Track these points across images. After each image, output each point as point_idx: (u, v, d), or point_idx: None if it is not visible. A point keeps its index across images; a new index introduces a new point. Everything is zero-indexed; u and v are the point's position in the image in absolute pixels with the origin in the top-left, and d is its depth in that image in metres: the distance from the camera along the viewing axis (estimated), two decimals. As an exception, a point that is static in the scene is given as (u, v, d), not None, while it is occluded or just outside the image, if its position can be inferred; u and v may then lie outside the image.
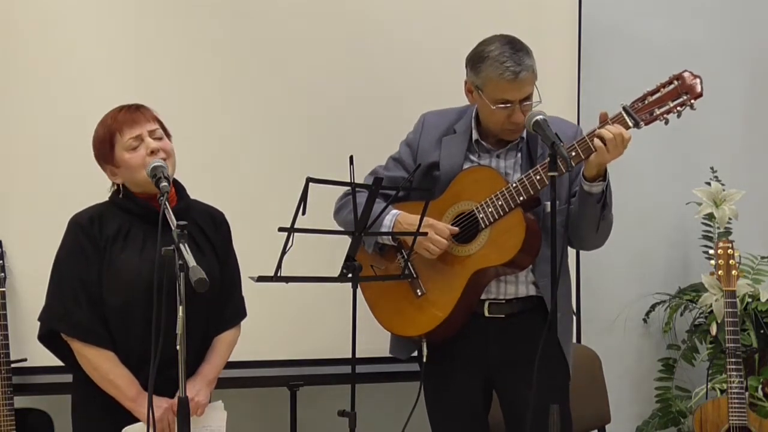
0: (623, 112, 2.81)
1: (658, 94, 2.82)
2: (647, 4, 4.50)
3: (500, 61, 2.87)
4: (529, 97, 2.91)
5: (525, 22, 3.88)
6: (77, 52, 3.48)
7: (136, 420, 2.70)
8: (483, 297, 2.98)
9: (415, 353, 3.09)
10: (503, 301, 2.99)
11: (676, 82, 2.81)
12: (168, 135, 2.84)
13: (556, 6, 4.02)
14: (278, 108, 3.68)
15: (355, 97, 3.74)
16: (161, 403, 2.70)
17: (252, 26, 3.66)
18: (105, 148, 2.77)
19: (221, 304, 2.86)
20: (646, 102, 2.82)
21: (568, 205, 2.95)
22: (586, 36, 4.11)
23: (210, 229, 2.87)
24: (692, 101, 2.80)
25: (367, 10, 3.78)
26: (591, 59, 4.17)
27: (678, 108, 2.80)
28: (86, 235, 2.74)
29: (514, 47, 2.90)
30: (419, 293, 3.01)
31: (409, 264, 2.97)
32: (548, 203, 2.82)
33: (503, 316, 2.99)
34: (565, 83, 4.00)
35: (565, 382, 3.02)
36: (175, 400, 2.68)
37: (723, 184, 4.19)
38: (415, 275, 3.00)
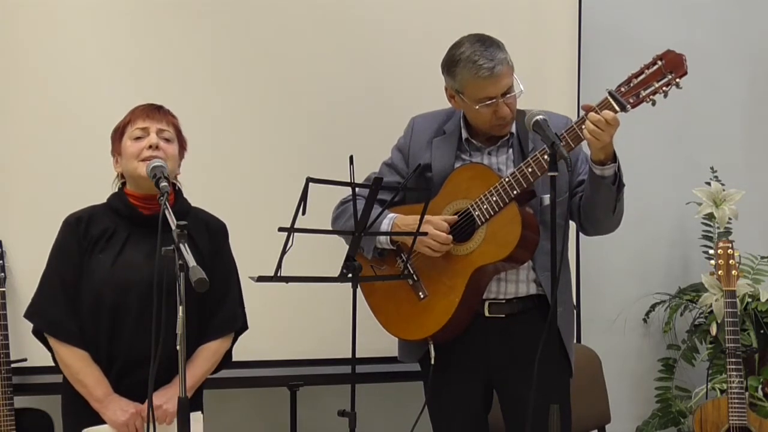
0: (609, 97, 2.80)
1: (642, 76, 2.79)
2: (647, 4, 4.50)
3: (473, 60, 2.87)
4: (510, 90, 2.91)
5: (525, 22, 3.89)
6: (78, 53, 3.47)
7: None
8: (483, 297, 2.98)
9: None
10: (503, 301, 2.99)
11: (660, 62, 2.78)
12: (182, 146, 2.88)
13: (556, 6, 4.01)
14: (278, 108, 3.68)
15: (355, 96, 3.74)
16: (128, 408, 2.70)
17: (252, 27, 3.65)
18: (117, 136, 2.84)
19: (207, 312, 2.84)
20: (632, 85, 2.79)
21: (570, 197, 2.95)
22: (586, 36, 4.11)
23: (201, 237, 2.85)
24: (677, 80, 2.77)
25: (367, 10, 3.78)
26: (591, 59, 4.16)
27: (664, 88, 2.77)
28: (72, 235, 2.78)
29: (484, 44, 2.90)
30: (422, 296, 3.01)
31: (409, 266, 2.98)
32: (545, 197, 2.82)
33: (503, 315, 2.99)
34: (565, 83, 3.99)
35: (566, 380, 3.02)
36: (144, 405, 2.66)
37: (723, 184, 4.18)
38: (416, 278, 3.00)
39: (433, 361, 2.95)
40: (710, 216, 4.18)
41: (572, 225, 3.14)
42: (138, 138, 2.78)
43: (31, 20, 3.45)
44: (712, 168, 4.28)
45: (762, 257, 4.25)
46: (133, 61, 3.52)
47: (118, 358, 2.74)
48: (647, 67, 2.79)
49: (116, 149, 2.84)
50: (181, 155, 2.88)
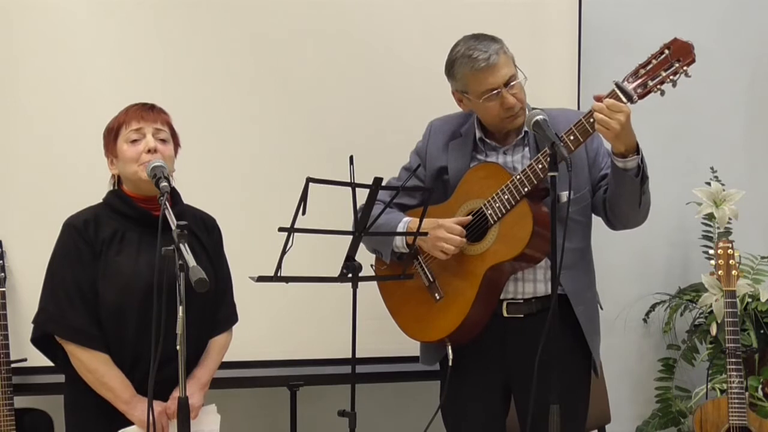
0: (616, 89, 2.77)
1: (649, 66, 2.76)
2: (647, 4, 4.50)
3: (467, 55, 2.89)
4: (512, 79, 2.91)
5: (525, 22, 3.89)
6: (78, 53, 3.48)
7: (128, 420, 2.70)
8: (501, 297, 2.97)
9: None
10: (521, 301, 2.97)
11: (666, 51, 2.74)
12: (176, 144, 2.87)
13: (556, 6, 4.02)
14: (278, 108, 3.68)
15: (356, 96, 3.75)
16: (155, 406, 2.68)
17: (253, 26, 3.66)
18: (110, 138, 2.82)
19: (214, 307, 2.87)
20: (639, 75, 2.76)
21: (593, 192, 2.94)
22: (586, 36, 4.11)
23: (203, 234, 2.88)
24: (685, 67, 2.73)
25: (367, 11, 3.78)
26: (591, 59, 4.17)
27: (671, 77, 2.73)
28: (81, 238, 2.74)
29: (477, 38, 2.92)
30: (438, 297, 3.01)
31: (425, 268, 3.00)
32: (563, 194, 2.80)
33: (522, 316, 2.97)
34: (565, 83, 4.00)
35: (586, 377, 3.01)
36: (169, 403, 2.71)
37: (723, 184, 4.18)
38: (432, 279, 3.01)
39: (450, 363, 2.93)
40: (710, 216, 4.17)
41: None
42: (134, 141, 2.76)
43: (31, 20, 3.45)
44: (712, 168, 4.28)
45: (762, 257, 4.25)
46: (133, 60, 3.52)
47: (142, 359, 2.71)
48: (654, 56, 2.76)
49: (111, 151, 2.82)
50: (176, 153, 2.87)
